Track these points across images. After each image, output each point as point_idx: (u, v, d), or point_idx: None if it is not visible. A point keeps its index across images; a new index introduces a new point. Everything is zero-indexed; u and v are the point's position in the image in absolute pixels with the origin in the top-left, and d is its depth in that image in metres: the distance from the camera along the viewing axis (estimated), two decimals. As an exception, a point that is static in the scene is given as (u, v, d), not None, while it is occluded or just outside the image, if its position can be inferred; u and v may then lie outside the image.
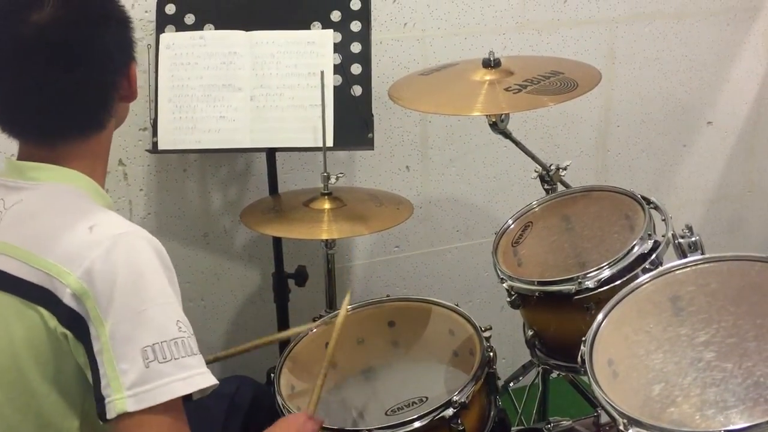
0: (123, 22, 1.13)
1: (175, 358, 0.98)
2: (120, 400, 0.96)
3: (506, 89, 1.61)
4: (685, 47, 2.35)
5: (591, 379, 1.20)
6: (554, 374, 1.83)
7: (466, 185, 2.28)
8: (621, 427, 1.10)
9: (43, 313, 0.99)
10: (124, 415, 0.96)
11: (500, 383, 1.94)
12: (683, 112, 2.42)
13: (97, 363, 0.98)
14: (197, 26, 1.78)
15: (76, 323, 0.98)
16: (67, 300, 0.98)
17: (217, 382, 1.03)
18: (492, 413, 1.53)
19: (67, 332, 0.98)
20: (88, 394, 1.01)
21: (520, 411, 2.03)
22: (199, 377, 1.00)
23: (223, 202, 2.05)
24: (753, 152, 2.55)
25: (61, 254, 0.99)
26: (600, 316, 1.28)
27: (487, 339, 1.54)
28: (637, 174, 2.44)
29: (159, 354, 0.97)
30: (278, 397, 1.47)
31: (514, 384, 1.99)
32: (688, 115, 2.43)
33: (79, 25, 1.06)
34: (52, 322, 0.99)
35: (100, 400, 0.98)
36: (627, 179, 2.42)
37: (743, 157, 2.54)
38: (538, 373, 1.90)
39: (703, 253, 1.43)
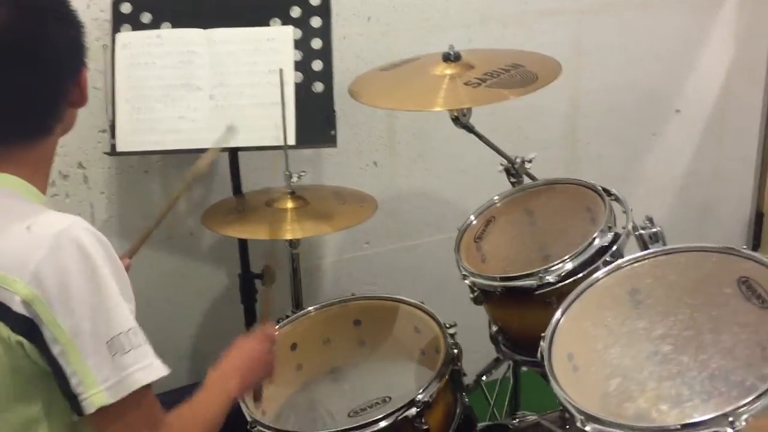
0: (75, 26, 1.10)
1: (135, 347, 1.00)
2: (97, 394, 0.97)
3: (466, 83, 1.59)
4: (651, 37, 2.34)
5: (549, 375, 1.19)
6: (524, 368, 1.83)
7: (435, 179, 2.27)
8: (579, 424, 1.09)
9: None
10: (102, 409, 0.98)
11: (473, 377, 1.95)
12: (651, 100, 2.42)
13: (60, 364, 0.97)
14: (154, 25, 1.75)
15: (30, 329, 0.97)
16: (17, 307, 0.96)
17: (169, 370, 1.04)
18: (458, 410, 1.52)
19: (22, 339, 0.97)
20: (55, 394, 1.01)
21: (492, 404, 2.03)
22: (157, 364, 1.03)
23: (187, 204, 2.03)
24: (721, 139, 2.56)
25: (4, 262, 0.98)
26: (559, 311, 1.28)
27: (452, 336, 1.53)
28: (606, 163, 2.43)
29: (121, 345, 0.99)
30: (242, 403, 1.45)
31: (486, 377, 1.98)
32: (656, 103, 2.43)
33: (29, 28, 1.03)
34: (5, 331, 0.97)
35: (72, 398, 0.99)
36: (597, 169, 2.41)
37: (712, 144, 2.55)
38: (509, 366, 1.89)
39: (664, 244, 1.43)
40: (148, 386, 1.02)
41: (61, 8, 1.09)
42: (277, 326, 1.63)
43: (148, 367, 1.01)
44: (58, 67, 1.07)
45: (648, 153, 2.48)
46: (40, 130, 1.09)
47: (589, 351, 1.23)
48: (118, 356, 0.98)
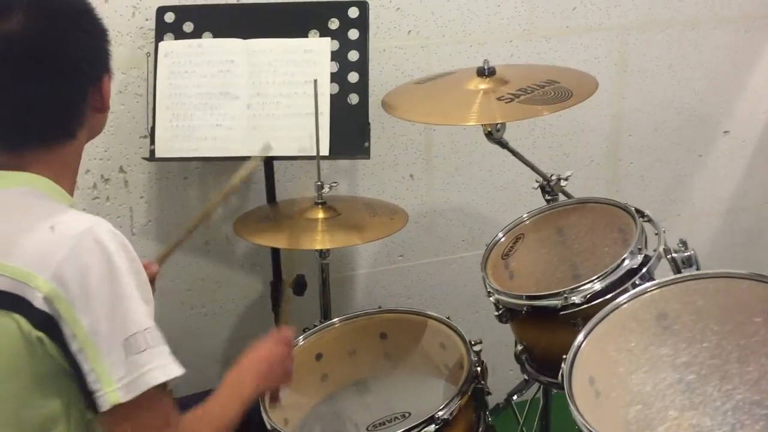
0: (96, 34, 1.12)
1: (151, 347, 1.03)
2: (112, 392, 1.00)
3: (499, 98, 1.58)
4: (700, 55, 2.29)
5: (569, 398, 1.17)
6: (555, 390, 1.79)
7: (472, 194, 2.25)
8: (596, 451, 1.06)
9: (17, 318, 1.00)
10: (117, 406, 1.00)
11: (504, 396, 1.92)
12: (698, 121, 2.36)
13: (78, 361, 1.00)
14: (196, 34, 1.79)
15: (50, 325, 1.00)
16: (39, 303, 0.99)
17: (184, 371, 1.06)
18: (480, 430, 1.50)
19: (42, 335, 1.00)
20: (73, 394, 1.03)
21: (521, 424, 1.99)
22: (172, 366, 1.05)
23: (224, 210, 2.05)
24: (772, 162, 2.48)
25: (27, 258, 1.00)
26: (581, 334, 1.25)
27: (477, 353, 1.51)
28: (650, 184, 2.38)
29: (137, 345, 1.01)
30: (262, 408, 1.45)
31: (518, 397, 1.95)
32: (704, 124, 2.37)
33: (47, 37, 1.05)
34: (26, 326, 1.00)
35: (89, 394, 1.01)
36: (640, 189, 2.36)
37: (762, 166, 2.46)
38: (540, 386, 1.85)
39: (698, 268, 1.38)
40: (162, 386, 1.03)
41: (83, 16, 1.11)
42: (303, 336, 1.64)
43: (163, 367, 1.03)
44: (79, 75, 1.09)
45: (694, 175, 2.42)
46: (62, 135, 1.11)
47: (610, 375, 1.19)
48: (133, 355, 1.00)
